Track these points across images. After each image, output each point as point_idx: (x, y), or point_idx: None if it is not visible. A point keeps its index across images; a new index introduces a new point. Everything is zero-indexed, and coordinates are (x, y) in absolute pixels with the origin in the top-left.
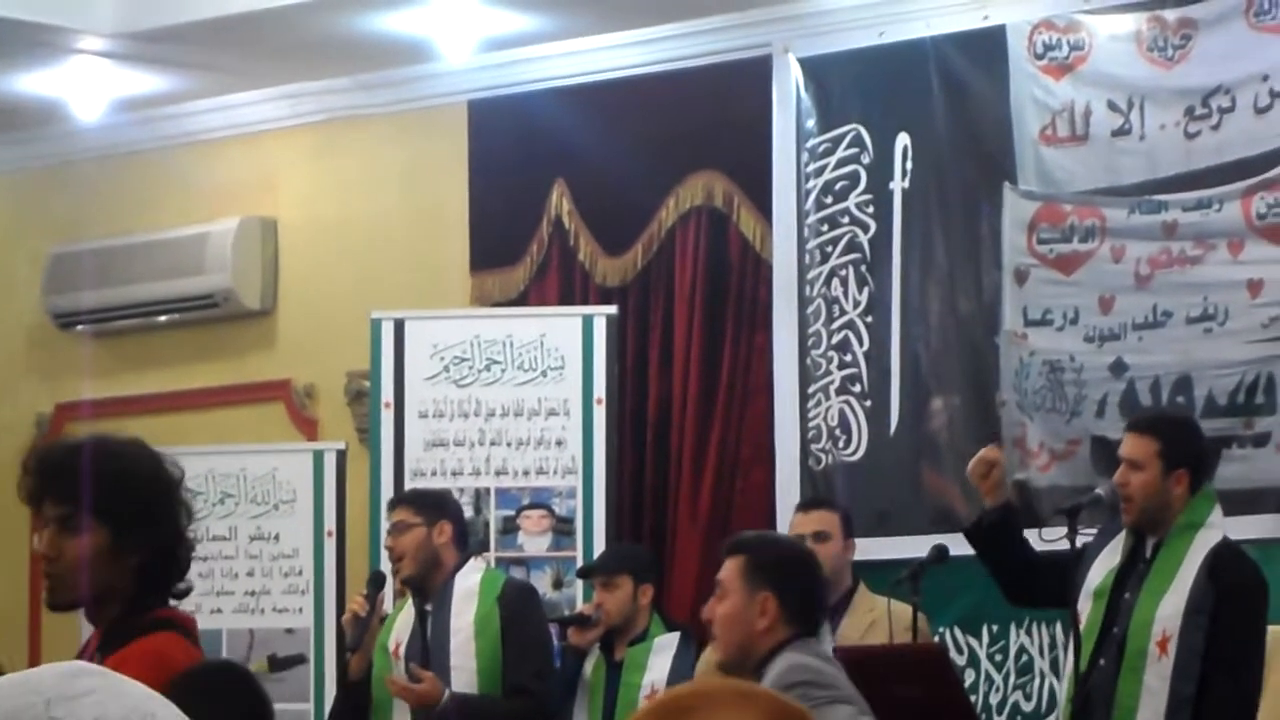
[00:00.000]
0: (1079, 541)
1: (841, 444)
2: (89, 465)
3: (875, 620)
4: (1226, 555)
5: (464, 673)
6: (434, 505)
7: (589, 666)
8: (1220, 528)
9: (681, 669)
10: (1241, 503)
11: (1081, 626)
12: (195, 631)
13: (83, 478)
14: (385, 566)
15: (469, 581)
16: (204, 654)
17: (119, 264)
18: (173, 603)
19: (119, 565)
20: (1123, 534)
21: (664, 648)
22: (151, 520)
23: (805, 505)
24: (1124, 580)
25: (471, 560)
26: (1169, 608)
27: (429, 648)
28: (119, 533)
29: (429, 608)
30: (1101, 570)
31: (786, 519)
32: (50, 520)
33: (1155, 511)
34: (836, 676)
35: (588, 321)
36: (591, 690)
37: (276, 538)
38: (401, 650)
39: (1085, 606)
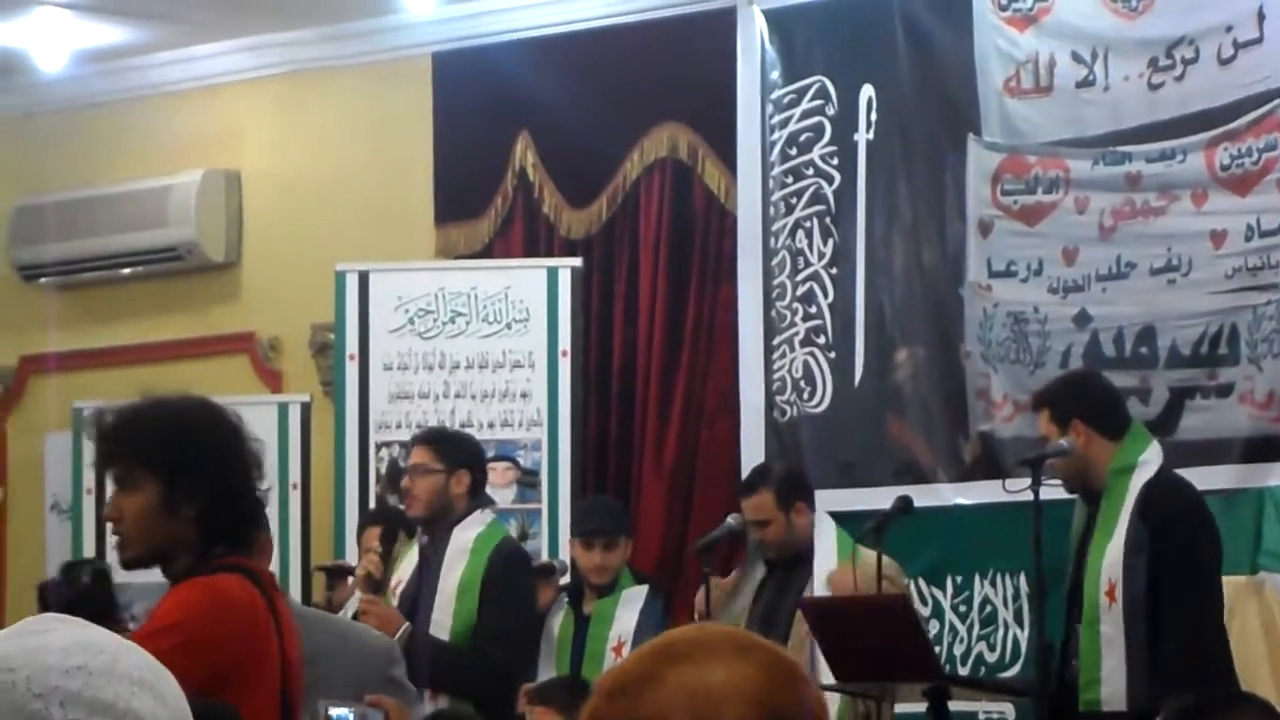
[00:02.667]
0: (1042, 493)
1: (806, 395)
2: (136, 423)
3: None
4: (1156, 490)
5: (440, 630)
6: (456, 452)
7: (557, 620)
8: (1155, 464)
9: (649, 621)
10: (1205, 453)
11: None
12: (268, 581)
13: (132, 434)
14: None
15: (466, 535)
16: (280, 599)
17: (83, 216)
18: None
19: (177, 517)
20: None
21: (632, 600)
22: (200, 470)
23: (741, 490)
24: (1084, 541)
25: (477, 513)
26: (1111, 555)
27: (421, 594)
28: (171, 484)
29: (429, 554)
30: (1074, 536)
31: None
32: (113, 481)
33: (1078, 471)
34: None
35: (552, 273)
36: (559, 643)
37: None
38: (399, 590)
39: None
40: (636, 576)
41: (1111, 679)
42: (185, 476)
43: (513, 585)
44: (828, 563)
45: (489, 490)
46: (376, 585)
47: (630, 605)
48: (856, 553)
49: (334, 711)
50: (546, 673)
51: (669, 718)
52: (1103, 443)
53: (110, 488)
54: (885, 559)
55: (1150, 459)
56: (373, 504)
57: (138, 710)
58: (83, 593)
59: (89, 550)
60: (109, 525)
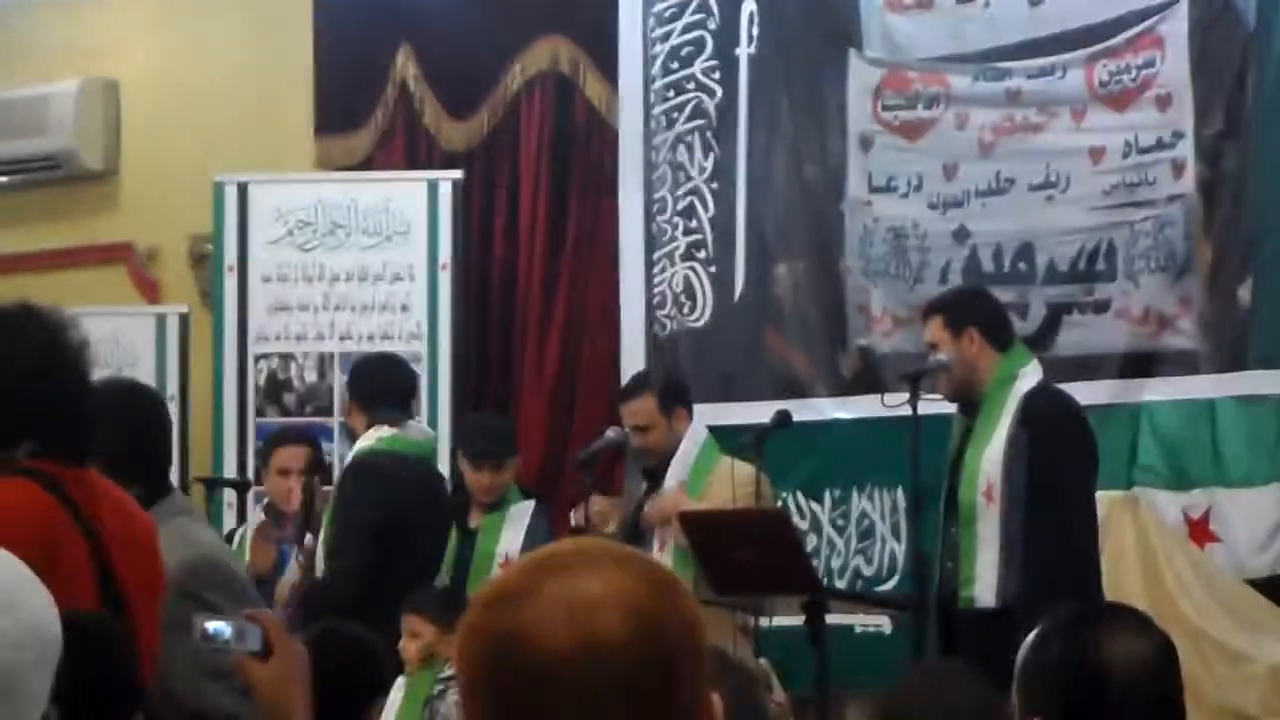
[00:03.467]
0: (920, 408)
1: (686, 310)
2: None
3: (716, 481)
4: (1038, 397)
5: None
6: (351, 385)
7: None
8: (1035, 376)
9: (536, 537)
10: (1082, 369)
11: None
12: (73, 482)
13: None
14: (232, 430)
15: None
16: (67, 503)
17: None
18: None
19: None
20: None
21: (519, 516)
22: None
23: (622, 394)
24: (961, 450)
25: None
26: (989, 458)
27: None
28: None
29: None
30: (950, 448)
31: None
32: None
33: (964, 378)
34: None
35: (433, 186)
36: (446, 559)
37: None
38: None
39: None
40: (523, 492)
41: (984, 575)
42: None
43: (342, 496)
44: (680, 470)
45: None
46: (279, 517)
47: (517, 521)
48: (720, 461)
49: (209, 625)
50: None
51: (546, 627)
52: (991, 353)
53: None
54: (748, 468)
55: (1030, 372)
56: (251, 415)
57: None
58: None
59: None
60: None
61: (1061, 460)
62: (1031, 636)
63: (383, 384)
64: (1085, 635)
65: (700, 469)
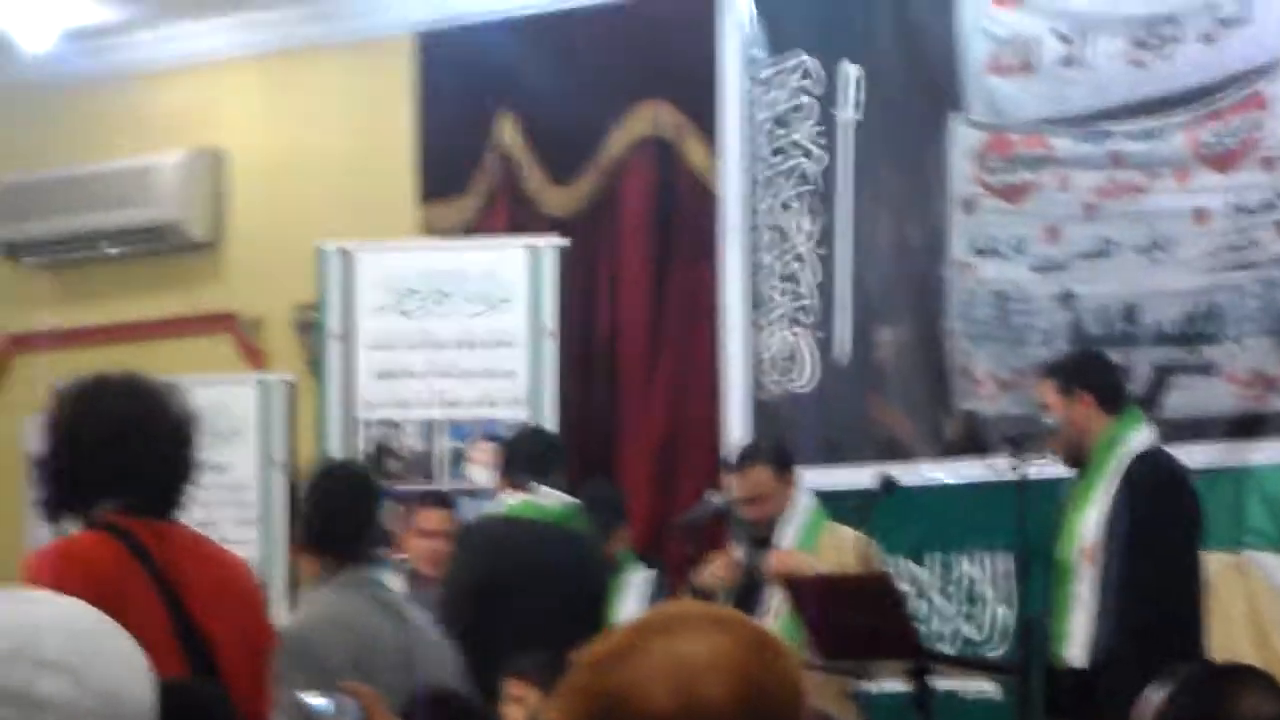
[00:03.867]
0: (1026, 471)
1: (790, 374)
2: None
3: (825, 546)
4: (1142, 461)
5: None
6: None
7: None
8: (1145, 440)
9: (654, 603)
10: (1189, 431)
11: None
12: (148, 535)
13: None
14: None
15: None
16: (138, 553)
17: (67, 194)
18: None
19: (57, 479)
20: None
21: (636, 584)
22: (59, 435)
23: (735, 466)
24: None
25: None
26: (1091, 519)
27: None
28: (53, 451)
29: None
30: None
31: (734, 449)
32: None
33: (1075, 441)
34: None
35: (536, 252)
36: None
37: (225, 469)
38: None
39: None
40: (640, 559)
41: (1076, 635)
42: (53, 442)
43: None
44: (791, 534)
45: (473, 469)
46: (417, 580)
47: (635, 589)
48: (827, 526)
49: (309, 700)
50: None
51: (648, 688)
52: (1101, 416)
53: None
54: (852, 532)
55: (1139, 437)
56: None
57: (42, 695)
58: None
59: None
60: None
61: (1161, 524)
62: (1156, 695)
63: (519, 450)
64: (1213, 693)
65: (810, 533)
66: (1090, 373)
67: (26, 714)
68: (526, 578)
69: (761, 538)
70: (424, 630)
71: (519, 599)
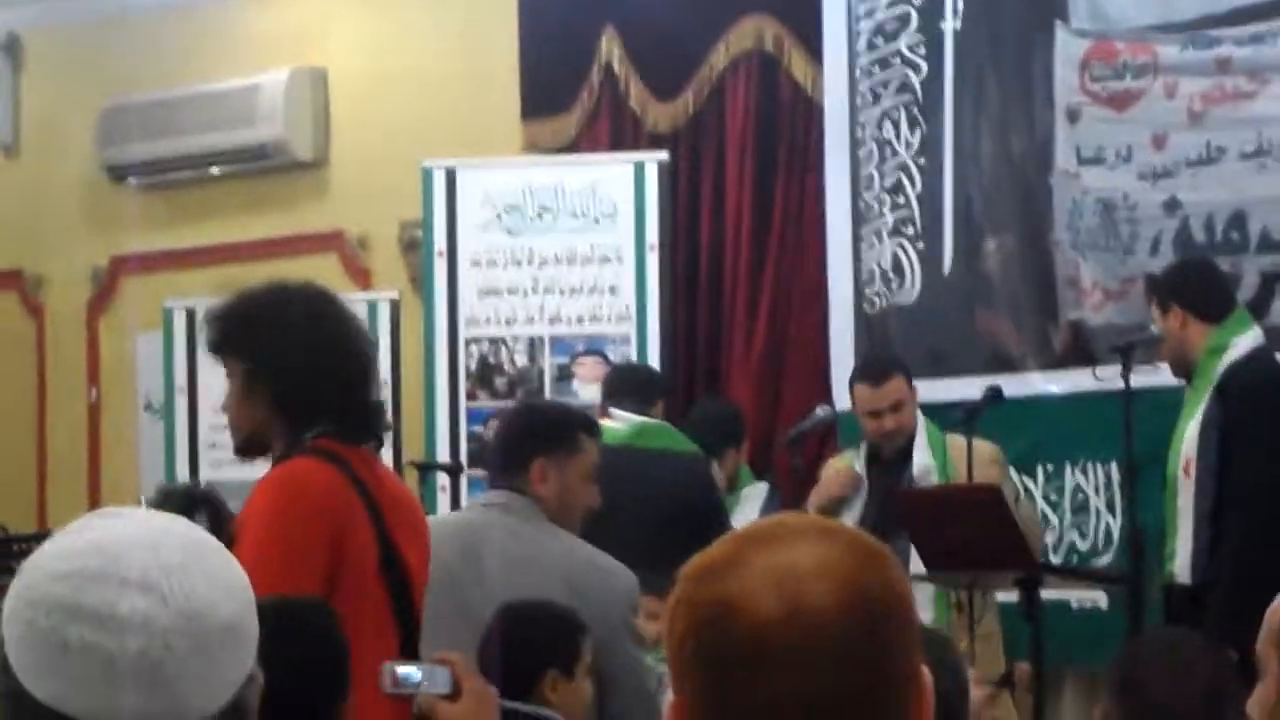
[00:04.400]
0: (1133, 380)
1: (895, 286)
2: (225, 312)
3: (956, 460)
4: (1236, 367)
5: None
6: None
7: None
8: (1248, 345)
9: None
10: None
11: None
12: (359, 462)
13: (225, 323)
14: (444, 415)
15: None
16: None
17: (171, 116)
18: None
19: (257, 400)
20: None
21: (753, 497)
22: (273, 349)
23: (873, 378)
24: None
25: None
26: (1190, 432)
27: None
28: (253, 369)
29: None
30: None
31: (840, 362)
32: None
33: (1177, 356)
34: None
35: (639, 168)
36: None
37: None
38: None
39: None
40: (756, 474)
41: (1181, 551)
42: (262, 359)
43: None
44: (923, 448)
45: (578, 385)
46: None
47: (750, 502)
48: (949, 439)
49: (399, 669)
50: None
51: (755, 596)
52: (1199, 326)
53: None
54: (988, 445)
55: (1244, 342)
56: (463, 400)
57: (123, 614)
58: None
59: (182, 450)
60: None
61: (1256, 429)
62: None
63: (619, 381)
64: None
65: (938, 447)
66: (1182, 284)
67: (105, 632)
68: (624, 501)
69: (900, 450)
70: (534, 541)
71: (617, 522)
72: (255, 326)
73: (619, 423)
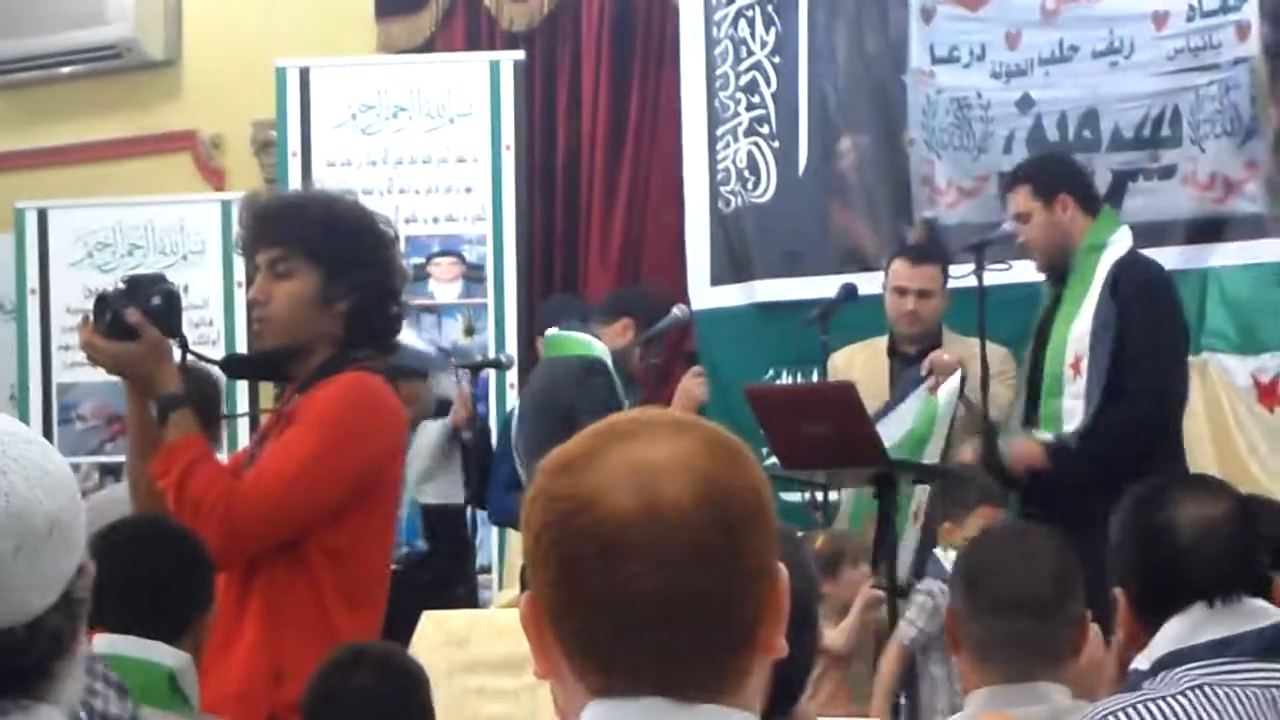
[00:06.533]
0: (986, 278)
1: (750, 185)
2: (302, 211)
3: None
4: (1127, 268)
5: None
6: None
7: None
8: (1125, 244)
9: None
10: (1149, 235)
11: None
12: (395, 385)
13: (296, 223)
14: None
15: None
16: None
17: (19, 14)
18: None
19: (329, 310)
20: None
21: None
22: (362, 267)
23: (913, 257)
24: (1048, 319)
25: None
26: (1077, 330)
27: None
28: (329, 277)
29: None
30: (1038, 317)
31: (696, 260)
32: (262, 266)
33: (1057, 248)
34: None
35: (494, 67)
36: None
37: (186, 289)
38: None
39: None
40: None
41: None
42: (345, 272)
43: None
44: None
45: (434, 285)
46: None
47: None
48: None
49: None
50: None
51: (612, 490)
52: (1083, 220)
53: (258, 270)
54: (997, 349)
55: (1120, 239)
56: None
57: None
58: (153, 314)
59: (35, 351)
60: (253, 309)
61: (1150, 330)
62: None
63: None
64: (1155, 502)
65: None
66: (1068, 175)
67: None
68: (524, 408)
69: (921, 350)
70: None
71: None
72: (339, 235)
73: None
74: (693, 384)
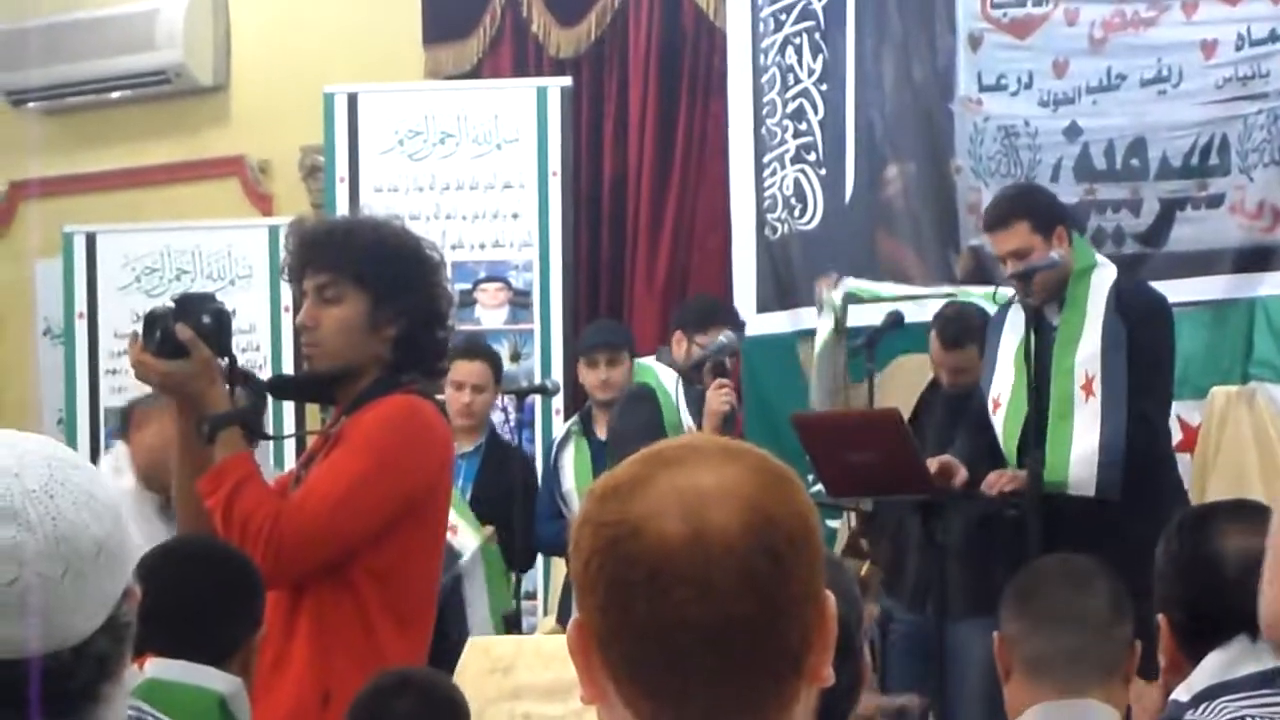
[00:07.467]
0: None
1: (797, 212)
2: (349, 237)
3: None
4: (1127, 287)
5: None
6: None
7: (568, 450)
8: (1111, 267)
9: None
10: (1196, 264)
11: (1007, 394)
12: (444, 411)
13: (343, 248)
14: None
15: None
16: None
17: (70, 39)
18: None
19: (377, 334)
20: (1017, 307)
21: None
22: (410, 291)
23: (947, 341)
24: (1040, 342)
25: None
26: (1085, 351)
27: None
28: (377, 302)
29: None
30: (1013, 341)
31: (742, 288)
32: (309, 291)
33: (1059, 280)
34: None
35: (542, 93)
36: (578, 469)
37: (233, 313)
38: None
39: (1006, 375)
40: None
41: (1077, 467)
42: (393, 297)
43: None
44: None
45: (480, 311)
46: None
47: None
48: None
49: None
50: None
51: (660, 516)
52: (1069, 247)
53: (305, 296)
54: None
55: (1104, 261)
56: None
57: None
58: (203, 333)
59: (82, 376)
60: (302, 334)
61: (1155, 352)
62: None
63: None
64: (1202, 531)
65: None
66: (1057, 205)
67: None
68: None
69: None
70: None
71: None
72: (387, 260)
73: None
74: (713, 396)
